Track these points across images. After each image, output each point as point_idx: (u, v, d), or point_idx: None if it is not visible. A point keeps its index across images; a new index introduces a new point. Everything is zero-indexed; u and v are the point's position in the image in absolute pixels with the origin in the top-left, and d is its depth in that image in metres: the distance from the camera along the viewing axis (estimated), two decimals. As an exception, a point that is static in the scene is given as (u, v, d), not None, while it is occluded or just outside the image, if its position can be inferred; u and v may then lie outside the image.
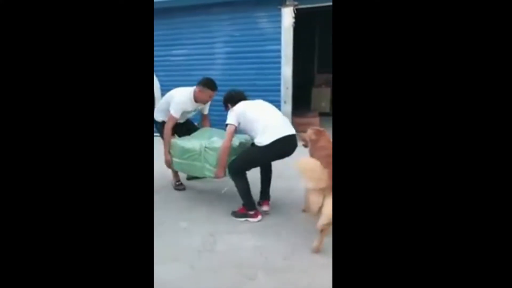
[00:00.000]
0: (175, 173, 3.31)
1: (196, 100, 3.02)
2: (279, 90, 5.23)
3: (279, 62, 5.15)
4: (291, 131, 2.53)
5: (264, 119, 2.51)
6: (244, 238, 2.41)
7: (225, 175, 2.69)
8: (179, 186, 3.33)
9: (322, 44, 8.08)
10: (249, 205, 2.64)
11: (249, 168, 2.65)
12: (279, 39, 5.07)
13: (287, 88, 5.17)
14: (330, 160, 1.96)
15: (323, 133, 2.65)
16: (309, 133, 2.72)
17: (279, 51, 5.11)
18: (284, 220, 2.67)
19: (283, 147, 2.47)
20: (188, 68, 5.69)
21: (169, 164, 2.98)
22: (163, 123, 3.02)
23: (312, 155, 2.56)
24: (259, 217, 2.66)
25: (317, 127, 2.79)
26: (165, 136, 2.94)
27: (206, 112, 3.31)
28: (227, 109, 2.80)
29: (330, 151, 2.29)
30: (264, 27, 5.15)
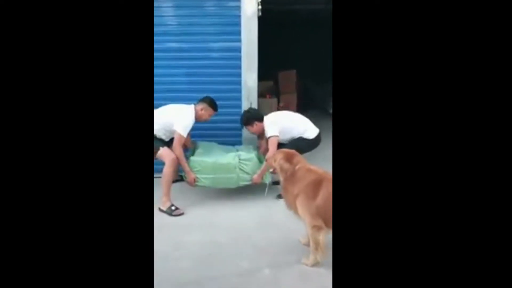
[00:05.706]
0: (168, 199, 2.99)
1: (197, 119, 3.09)
2: (239, 106, 3.67)
3: (239, 66, 3.61)
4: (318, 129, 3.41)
5: (298, 124, 3.33)
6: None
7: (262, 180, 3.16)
8: (176, 211, 2.95)
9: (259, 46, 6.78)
10: None
11: None
12: (237, 33, 3.53)
13: (251, 103, 3.66)
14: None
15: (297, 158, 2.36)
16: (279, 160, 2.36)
17: (239, 50, 3.57)
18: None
19: (319, 140, 3.36)
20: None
21: (194, 182, 3.06)
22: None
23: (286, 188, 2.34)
24: None
25: (287, 150, 2.50)
26: (180, 156, 2.98)
27: None
28: (251, 126, 3.23)
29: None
30: (215, 14, 3.54)
